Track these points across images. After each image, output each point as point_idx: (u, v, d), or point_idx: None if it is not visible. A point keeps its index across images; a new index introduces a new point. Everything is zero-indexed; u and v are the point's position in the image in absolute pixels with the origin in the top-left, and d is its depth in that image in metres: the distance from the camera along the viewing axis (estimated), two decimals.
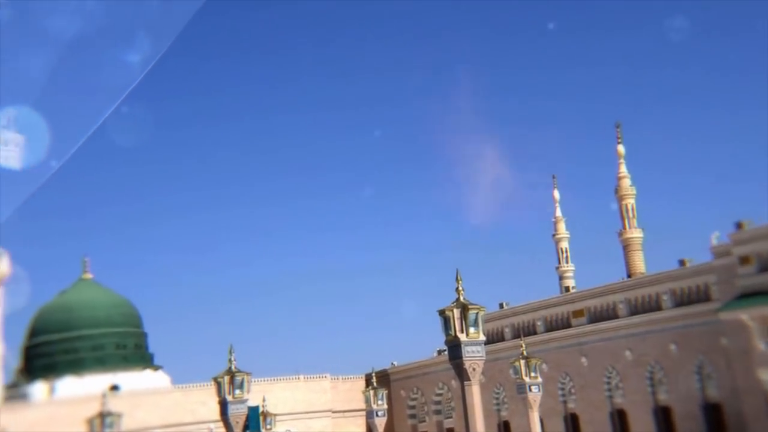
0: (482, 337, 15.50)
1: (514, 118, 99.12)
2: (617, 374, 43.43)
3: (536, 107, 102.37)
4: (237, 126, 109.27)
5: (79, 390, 48.38)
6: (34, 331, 56.40)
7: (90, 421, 32.78)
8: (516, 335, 46.80)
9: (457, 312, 15.21)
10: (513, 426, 47.85)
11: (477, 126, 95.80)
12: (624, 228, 57.31)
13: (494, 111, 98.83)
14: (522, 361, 25.73)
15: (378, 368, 53.05)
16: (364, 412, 50.41)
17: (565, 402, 45.87)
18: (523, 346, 26.96)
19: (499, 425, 48.80)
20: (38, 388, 52.31)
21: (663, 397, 41.67)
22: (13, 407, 45.26)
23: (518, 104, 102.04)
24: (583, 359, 44.87)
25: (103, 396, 37.69)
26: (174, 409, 47.60)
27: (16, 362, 54.95)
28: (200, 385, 47.38)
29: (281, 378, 52.51)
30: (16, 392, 51.80)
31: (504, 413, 48.91)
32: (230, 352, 27.23)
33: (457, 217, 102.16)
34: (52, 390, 52.16)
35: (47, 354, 55.00)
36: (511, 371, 26.41)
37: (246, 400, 27.29)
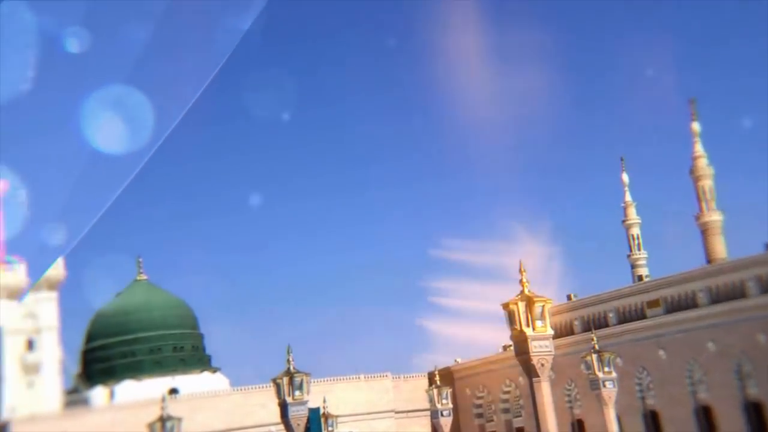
0: (550, 331, 15.28)
1: (578, 97, 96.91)
2: (700, 368, 42.04)
3: (601, 84, 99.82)
4: (290, 118, 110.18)
5: (138, 394, 49.99)
6: (92, 335, 58.34)
7: (151, 426, 33.88)
8: (586, 328, 45.90)
9: (521, 305, 15.02)
10: (588, 424, 47.00)
11: (538, 106, 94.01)
12: (701, 211, 55.32)
13: (555, 91, 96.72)
14: (594, 356, 25.21)
15: (441, 366, 52.98)
16: (428, 412, 50.56)
17: (643, 398, 44.74)
18: (595, 339, 26.43)
19: (572, 424, 48.02)
20: (98, 393, 54.16)
21: (753, 392, 40.09)
22: (74, 413, 47.18)
23: (581, 83, 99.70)
24: (661, 352, 43.63)
25: (163, 400, 38.88)
26: (234, 412, 48.64)
27: (76, 367, 57.09)
28: (259, 387, 48.24)
29: (341, 378, 52.90)
30: (76, 397, 53.86)
31: (577, 411, 48.10)
32: (288, 353, 27.68)
33: (518, 205, 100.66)
34: (111, 394, 54.05)
35: (105, 358, 56.85)
36: (582, 366, 25.91)
37: (306, 402, 27.68)
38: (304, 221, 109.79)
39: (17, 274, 52.70)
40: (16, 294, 52.47)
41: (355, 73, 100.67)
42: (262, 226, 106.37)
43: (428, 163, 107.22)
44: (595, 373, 25.24)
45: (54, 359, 53.02)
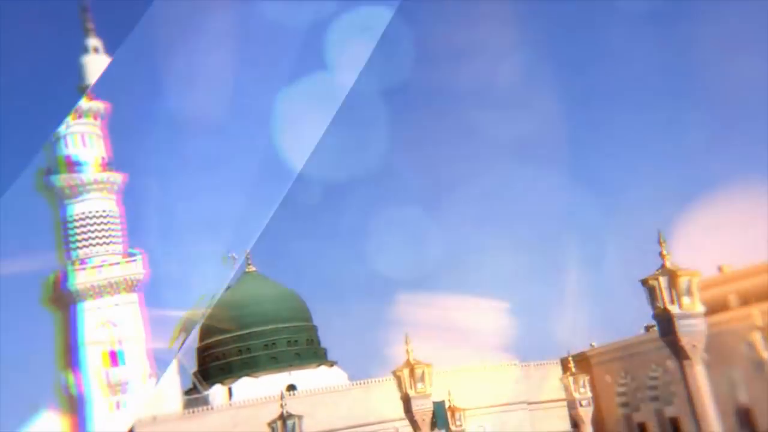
0: (700, 308, 14.59)
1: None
2: None
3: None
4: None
5: (256, 391, 51.85)
6: (206, 332, 60.39)
7: (271, 425, 35.54)
8: (744, 303, 43.34)
9: (663, 280, 14.42)
10: (757, 412, 44.53)
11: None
12: None
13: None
14: (757, 334, 23.84)
15: (574, 350, 52.06)
16: (564, 402, 49.63)
17: None
18: (757, 315, 24.95)
19: (737, 411, 45.69)
20: (216, 391, 56.48)
21: None
22: (194, 413, 49.82)
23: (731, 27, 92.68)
24: None
25: (282, 397, 40.58)
26: (355, 408, 49.73)
27: (192, 365, 60.13)
28: (380, 380, 49.04)
29: (465, 368, 52.94)
30: (195, 397, 56.20)
31: (742, 398, 45.68)
32: (407, 342, 28.09)
33: (659, 167, 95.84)
34: (229, 392, 56.21)
35: (221, 355, 59.23)
36: (744, 347, 24.58)
37: (429, 395, 27.99)
38: (418, 200, 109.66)
39: (138, 265, 56.46)
40: (134, 286, 56.22)
41: None
42: (370, 205, 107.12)
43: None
44: (760, 354, 23.90)
45: (143, 375, 56.27)
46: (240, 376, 56.94)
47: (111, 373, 54.11)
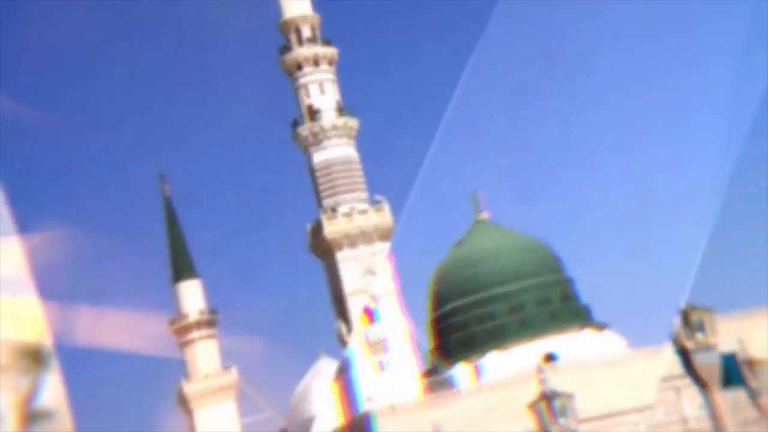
0: None
1: None
2: None
3: None
4: None
5: (506, 367, 48.16)
6: (439, 298, 55.94)
7: (533, 406, 32.59)
8: None
9: None
10: None
11: None
12: None
13: None
14: None
15: None
16: None
17: None
18: None
19: None
20: (460, 371, 52.17)
21: None
22: (437, 398, 46.82)
23: None
24: None
25: (540, 372, 37.14)
26: (641, 384, 44.34)
27: (427, 341, 56.01)
28: (663, 346, 44.54)
29: (758, 311, 46.70)
30: (437, 378, 52.88)
31: None
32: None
33: None
34: (475, 370, 51.74)
35: (460, 325, 54.36)
36: None
37: (715, 346, 25.67)
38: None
39: (385, 213, 58.91)
40: (386, 235, 58.56)
41: None
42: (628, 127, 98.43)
43: None
44: None
45: (402, 332, 56.00)
46: (485, 350, 51.96)
47: (369, 332, 56.37)
